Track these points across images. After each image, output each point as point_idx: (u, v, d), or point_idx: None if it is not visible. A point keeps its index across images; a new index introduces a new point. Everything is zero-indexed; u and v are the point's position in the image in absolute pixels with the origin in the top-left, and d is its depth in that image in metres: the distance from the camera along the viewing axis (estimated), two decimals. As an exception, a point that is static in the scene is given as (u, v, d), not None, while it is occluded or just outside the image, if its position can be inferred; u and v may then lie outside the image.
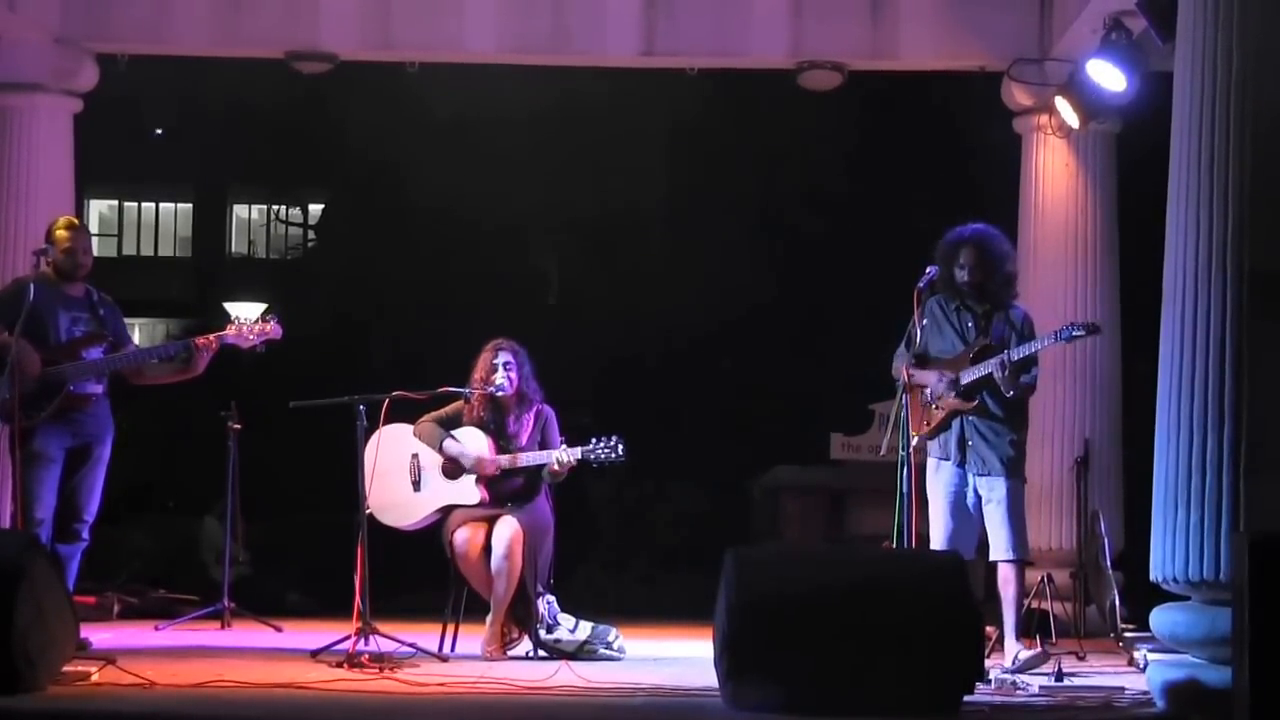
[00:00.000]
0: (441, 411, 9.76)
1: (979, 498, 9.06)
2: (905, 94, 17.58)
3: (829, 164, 21.47)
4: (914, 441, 9.04)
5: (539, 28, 12.88)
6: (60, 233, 9.45)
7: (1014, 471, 9.07)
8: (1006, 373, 8.86)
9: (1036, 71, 12.58)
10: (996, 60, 12.70)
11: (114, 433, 9.52)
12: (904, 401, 8.93)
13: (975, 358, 9.03)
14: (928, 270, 8.95)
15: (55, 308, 9.29)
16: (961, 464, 9.06)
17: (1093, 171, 12.69)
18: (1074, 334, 9.08)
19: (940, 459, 9.12)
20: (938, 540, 9.04)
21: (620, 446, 9.47)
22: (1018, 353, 8.90)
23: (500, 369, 9.68)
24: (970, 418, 9.06)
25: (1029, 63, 12.59)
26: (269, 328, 9.52)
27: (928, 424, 9.12)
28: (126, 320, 9.80)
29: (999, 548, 9.03)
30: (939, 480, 9.11)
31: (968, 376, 8.99)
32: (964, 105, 14.70)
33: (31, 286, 9.10)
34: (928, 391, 9.12)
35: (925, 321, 9.16)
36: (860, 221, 20.96)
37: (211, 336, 9.51)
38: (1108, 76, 11.29)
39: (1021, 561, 9.15)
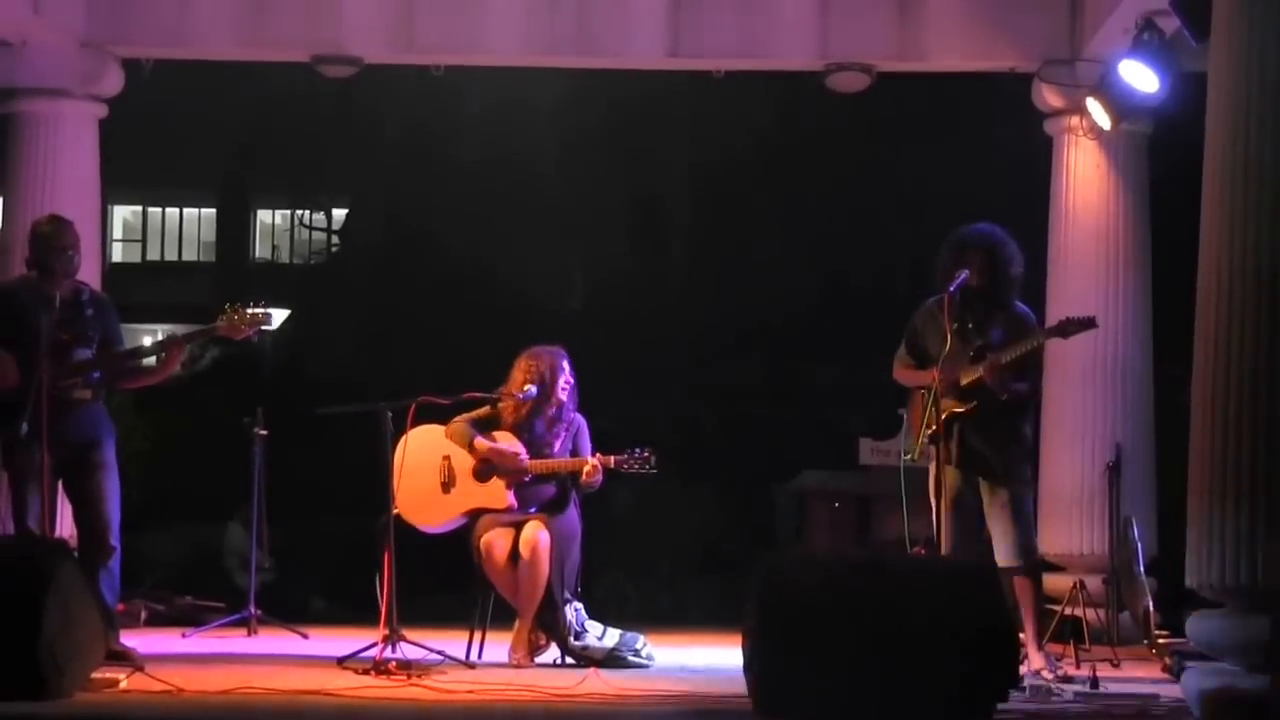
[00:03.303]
0: (475, 414, 9.71)
1: (979, 501, 8.93)
2: (934, 95, 17.52)
3: (856, 166, 21.43)
4: (919, 442, 8.92)
5: (564, 29, 12.83)
6: (46, 229, 9.11)
7: (1016, 475, 8.91)
8: (995, 376, 8.72)
9: (1067, 72, 12.48)
10: (1027, 61, 12.61)
11: (114, 436, 9.22)
12: (926, 404, 8.78)
13: (974, 358, 8.88)
14: (959, 275, 8.80)
15: (37, 310, 8.83)
16: (960, 466, 8.92)
17: (1124, 173, 12.59)
18: (1068, 330, 8.90)
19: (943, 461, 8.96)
20: (941, 544, 8.88)
21: (653, 459, 9.42)
22: (1007, 355, 8.76)
23: (564, 374, 9.63)
24: (970, 420, 8.92)
25: (1060, 64, 12.49)
26: (260, 316, 9.18)
27: (928, 426, 8.96)
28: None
29: (1003, 554, 8.84)
30: (941, 483, 8.95)
31: (965, 378, 8.84)
32: (994, 107, 14.61)
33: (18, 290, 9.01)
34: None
35: (917, 323, 9.09)
36: (889, 224, 20.91)
37: (180, 336, 9.32)
38: (1140, 77, 11.21)
39: (1029, 568, 8.99)
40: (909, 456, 8.99)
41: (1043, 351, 9.12)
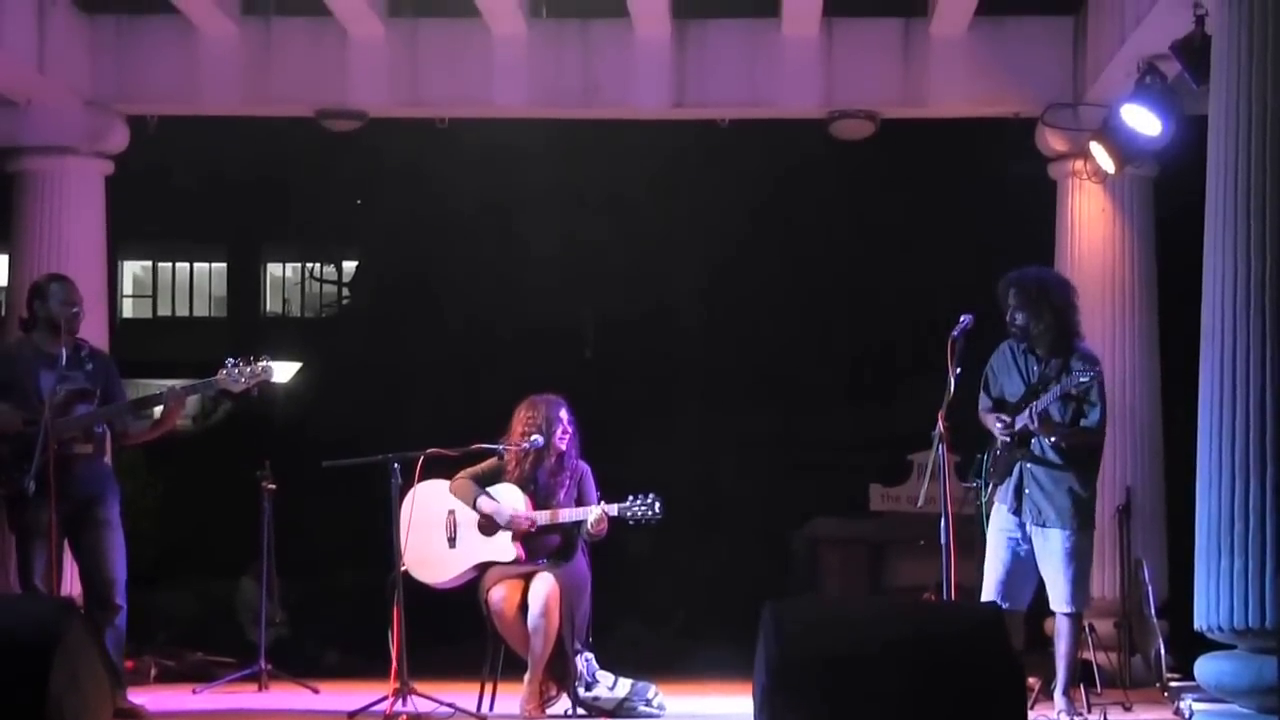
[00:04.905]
0: (478, 468, 9.69)
1: (1033, 547, 8.92)
2: (939, 141, 17.54)
3: (865, 212, 21.42)
4: (990, 488, 8.95)
5: (568, 81, 12.87)
6: (53, 286, 9.11)
7: (1072, 522, 8.84)
8: (1038, 424, 8.72)
9: (1071, 116, 12.50)
10: (1030, 106, 12.64)
11: (119, 493, 9.20)
12: (940, 452, 8.77)
13: (1025, 407, 8.90)
14: (961, 319, 8.80)
15: (36, 367, 8.87)
16: (1017, 511, 8.92)
17: (1130, 216, 12.60)
18: (1080, 380, 8.85)
19: (1000, 503, 9.00)
20: (989, 587, 8.88)
21: (658, 505, 9.38)
22: (1041, 404, 8.76)
23: (561, 423, 9.60)
24: (1028, 465, 8.90)
25: (1063, 108, 12.51)
26: (260, 370, 9.11)
27: (994, 469, 9.00)
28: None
29: (1054, 599, 8.89)
30: (996, 526, 8.98)
31: (1018, 423, 8.86)
32: (998, 151, 14.63)
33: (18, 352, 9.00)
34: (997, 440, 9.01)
35: (994, 364, 9.11)
36: (898, 271, 20.91)
37: (180, 389, 9.30)
38: (1142, 121, 11.22)
39: (1078, 615, 8.99)
40: (982, 502, 8.98)
41: (1101, 390, 9.04)
